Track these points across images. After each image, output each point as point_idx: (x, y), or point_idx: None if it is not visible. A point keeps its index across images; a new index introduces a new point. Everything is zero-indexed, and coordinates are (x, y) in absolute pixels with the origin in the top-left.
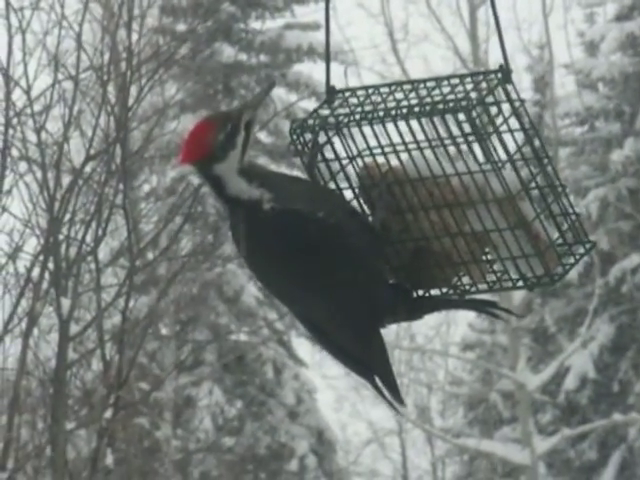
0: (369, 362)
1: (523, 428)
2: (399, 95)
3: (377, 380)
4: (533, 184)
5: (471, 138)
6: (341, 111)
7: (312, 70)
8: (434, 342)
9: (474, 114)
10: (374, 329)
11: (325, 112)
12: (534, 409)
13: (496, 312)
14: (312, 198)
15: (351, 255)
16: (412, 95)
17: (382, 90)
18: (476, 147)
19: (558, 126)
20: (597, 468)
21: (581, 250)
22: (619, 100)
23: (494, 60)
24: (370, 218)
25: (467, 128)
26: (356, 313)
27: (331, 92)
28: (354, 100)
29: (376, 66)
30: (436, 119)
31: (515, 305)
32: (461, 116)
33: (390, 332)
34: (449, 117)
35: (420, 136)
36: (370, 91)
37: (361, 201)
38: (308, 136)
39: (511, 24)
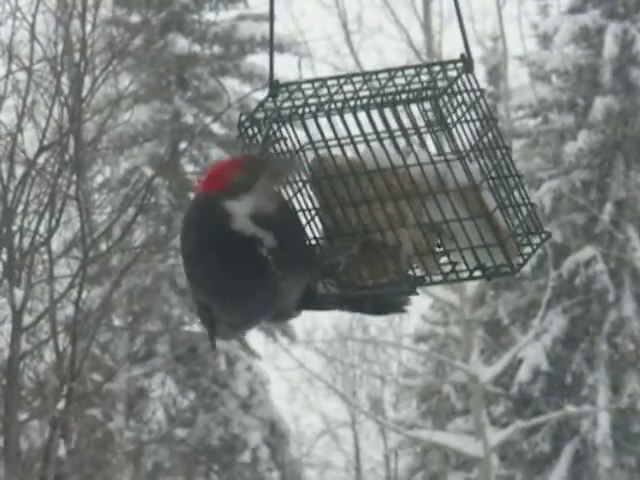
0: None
1: (476, 420)
2: (349, 87)
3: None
4: (493, 174)
5: (433, 128)
6: (291, 104)
7: (266, 61)
8: (387, 334)
9: (440, 103)
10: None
11: (272, 105)
12: (487, 401)
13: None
14: (295, 253)
15: (282, 300)
16: (365, 87)
17: (330, 83)
18: (433, 138)
19: (512, 118)
20: (550, 460)
21: (537, 240)
22: (572, 92)
23: (448, 52)
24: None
25: (423, 119)
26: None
27: (275, 86)
28: (301, 93)
29: (330, 58)
30: (390, 110)
31: (468, 297)
32: (426, 106)
33: (343, 323)
34: (402, 109)
35: (377, 128)
36: (317, 84)
37: (311, 193)
38: (256, 129)
39: (465, 15)
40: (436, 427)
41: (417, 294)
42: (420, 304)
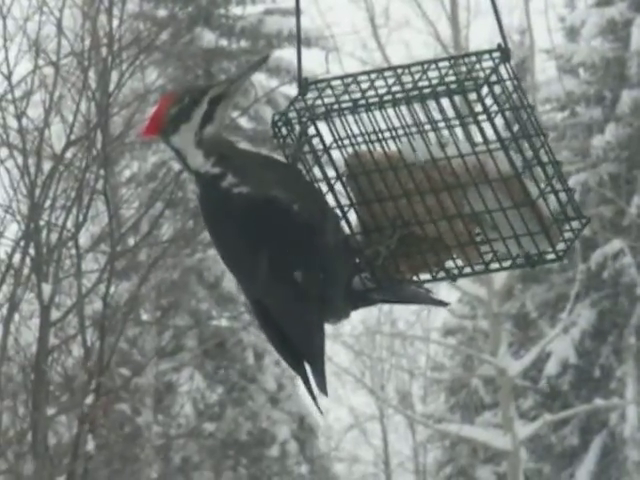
0: (307, 354)
1: (504, 413)
2: (381, 82)
3: (308, 372)
4: (534, 162)
5: (476, 118)
6: (324, 101)
7: (293, 56)
8: (415, 328)
9: (483, 93)
10: (321, 325)
11: (302, 104)
12: (515, 394)
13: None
14: (286, 188)
15: (318, 254)
16: (398, 81)
17: (361, 78)
18: (475, 128)
19: (539, 111)
20: (579, 453)
21: (577, 225)
22: (600, 85)
23: (475, 45)
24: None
25: (463, 110)
26: (311, 309)
27: (304, 85)
28: (331, 90)
29: (357, 52)
30: (430, 103)
31: (496, 290)
32: (471, 96)
33: (371, 317)
34: (442, 101)
35: (417, 120)
36: (348, 80)
37: (347, 189)
38: (290, 128)
39: (492, 9)
40: (464, 421)
41: (447, 304)
42: (448, 298)
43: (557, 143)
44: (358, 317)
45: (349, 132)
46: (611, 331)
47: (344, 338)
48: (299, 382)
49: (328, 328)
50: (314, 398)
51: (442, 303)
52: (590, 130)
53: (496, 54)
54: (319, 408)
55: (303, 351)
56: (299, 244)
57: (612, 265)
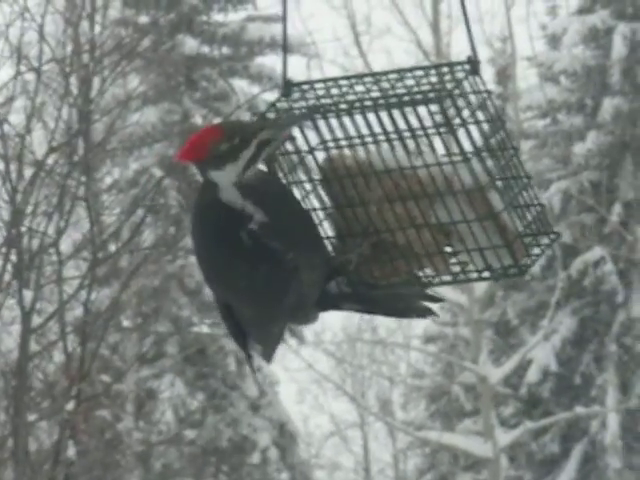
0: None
1: (485, 421)
2: (360, 88)
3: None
4: (500, 175)
5: (439, 130)
6: (302, 104)
7: (275, 62)
8: (396, 335)
9: (446, 105)
10: (283, 331)
11: (284, 105)
12: (496, 402)
13: (423, 307)
14: (292, 234)
15: (297, 288)
16: (375, 87)
17: (342, 83)
18: (440, 139)
19: (520, 119)
20: (559, 461)
21: (545, 241)
22: (581, 93)
23: (456, 53)
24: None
25: (431, 120)
26: (280, 321)
27: (288, 85)
28: (313, 93)
29: (339, 59)
30: (398, 112)
31: (477, 298)
32: (433, 107)
33: (352, 325)
34: (411, 110)
35: (385, 129)
36: (330, 84)
37: (321, 193)
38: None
39: (473, 17)
40: (445, 428)
41: (436, 314)
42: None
43: (538, 150)
44: (339, 324)
45: (323, 136)
46: (592, 339)
47: (325, 345)
48: (279, 389)
49: (309, 336)
50: (249, 358)
51: (429, 312)
52: (571, 138)
53: (466, 66)
54: (252, 368)
55: (257, 343)
56: (283, 278)
57: (593, 273)
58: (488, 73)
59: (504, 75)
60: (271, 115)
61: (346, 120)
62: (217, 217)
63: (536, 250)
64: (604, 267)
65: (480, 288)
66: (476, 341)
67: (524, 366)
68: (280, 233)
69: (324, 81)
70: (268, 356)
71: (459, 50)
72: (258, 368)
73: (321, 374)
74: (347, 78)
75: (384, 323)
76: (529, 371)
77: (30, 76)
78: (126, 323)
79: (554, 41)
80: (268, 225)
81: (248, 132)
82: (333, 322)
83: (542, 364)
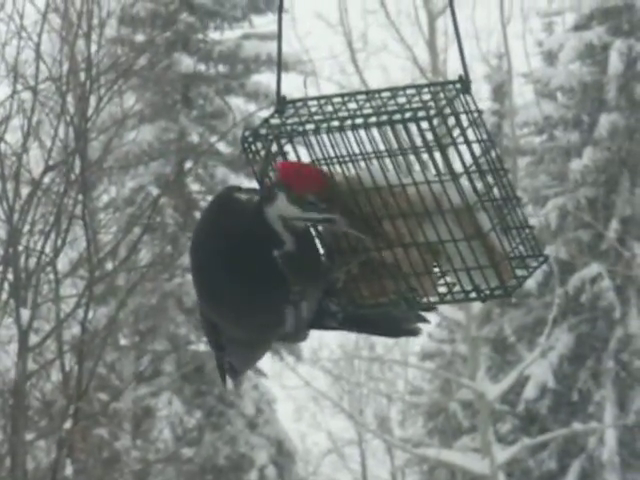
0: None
1: (483, 438)
2: (353, 105)
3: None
4: (489, 196)
5: (429, 148)
6: (295, 120)
7: (271, 80)
8: (393, 352)
9: (435, 123)
10: (268, 350)
11: (277, 121)
12: (494, 419)
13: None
14: (309, 268)
15: (294, 317)
16: (368, 105)
17: (335, 100)
18: (429, 157)
19: (517, 135)
20: (557, 477)
21: (535, 263)
22: (578, 109)
23: (453, 70)
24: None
25: (421, 139)
26: (269, 341)
27: (282, 102)
28: (306, 110)
29: (335, 76)
30: (390, 129)
31: (474, 315)
32: (423, 125)
33: (350, 342)
34: (401, 128)
35: (376, 146)
36: (322, 101)
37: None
38: (260, 145)
39: (469, 33)
40: (443, 445)
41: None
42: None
43: (535, 167)
44: (336, 341)
45: (312, 154)
46: (589, 355)
47: (322, 363)
48: (277, 406)
49: (306, 353)
50: (224, 378)
51: (417, 331)
52: (568, 154)
53: (457, 85)
54: (225, 384)
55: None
56: (284, 308)
57: (590, 289)
58: (485, 89)
59: (501, 92)
60: (264, 131)
61: (337, 137)
62: (247, 234)
63: (524, 272)
64: (601, 283)
65: (477, 305)
66: (473, 358)
67: (521, 383)
68: (298, 267)
69: (318, 98)
70: (238, 375)
71: (455, 67)
72: (254, 386)
73: (319, 391)
74: (340, 96)
75: (381, 340)
76: (526, 388)
77: (27, 95)
78: (123, 341)
79: (550, 57)
80: (292, 256)
81: (328, 206)
82: (330, 339)
83: (539, 381)
